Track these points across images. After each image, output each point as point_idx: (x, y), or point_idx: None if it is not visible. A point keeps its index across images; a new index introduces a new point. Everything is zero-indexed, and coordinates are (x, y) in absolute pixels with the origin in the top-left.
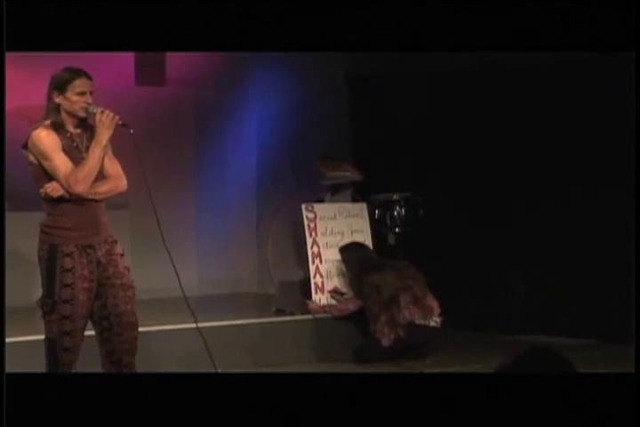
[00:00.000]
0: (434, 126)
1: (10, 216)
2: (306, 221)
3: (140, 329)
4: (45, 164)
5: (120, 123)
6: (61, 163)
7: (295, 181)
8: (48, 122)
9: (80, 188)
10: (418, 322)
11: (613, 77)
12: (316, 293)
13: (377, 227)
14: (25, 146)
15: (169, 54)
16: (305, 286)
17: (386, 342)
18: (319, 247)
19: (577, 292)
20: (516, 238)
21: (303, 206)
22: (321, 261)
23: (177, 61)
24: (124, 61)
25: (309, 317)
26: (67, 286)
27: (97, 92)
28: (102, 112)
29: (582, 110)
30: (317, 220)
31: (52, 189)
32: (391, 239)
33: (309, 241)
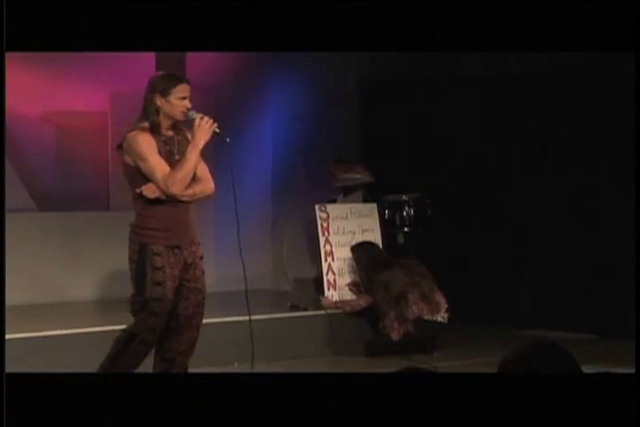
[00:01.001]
0: (442, 129)
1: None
2: (319, 221)
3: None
4: (142, 165)
5: (217, 131)
6: (158, 164)
7: (309, 183)
8: (146, 124)
9: (176, 189)
10: (426, 317)
11: (613, 84)
12: (329, 289)
13: (387, 226)
14: (119, 147)
15: (189, 59)
16: (318, 283)
17: (395, 336)
18: (332, 246)
19: (580, 288)
20: (522, 237)
21: (316, 207)
22: (333, 259)
23: (197, 66)
24: (145, 67)
25: (322, 312)
26: (157, 284)
27: (118, 96)
28: (202, 118)
29: (584, 115)
30: (330, 219)
31: (149, 190)
32: (400, 238)
33: (322, 240)
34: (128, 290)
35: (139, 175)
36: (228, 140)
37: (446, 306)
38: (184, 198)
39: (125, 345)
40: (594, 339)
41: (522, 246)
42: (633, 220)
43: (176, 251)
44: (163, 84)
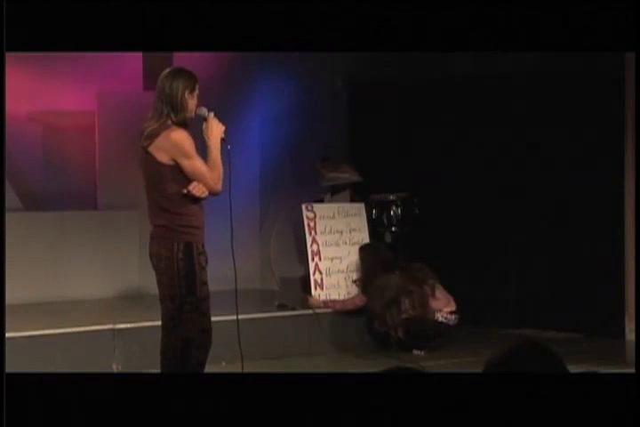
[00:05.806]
0: (430, 128)
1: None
2: (306, 221)
3: (145, 324)
4: (187, 163)
5: (223, 136)
6: (202, 163)
7: (296, 182)
8: (169, 121)
9: (221, 187)
10: (417, 322)
11: (606, 84)
12: (316, 289)
13: (374, 226)
14: (147, 146)
15: (176, 60)
16: (305, 283)
17: (385, 339)
18: (318, 245)
19: (565, 288)
20: (507, 237)
21: (303, 206)
22: (320, 259)
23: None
24: (132, 67)
25: (310, 312)
26: (204, 283)
27: (106, 96)
28: (213, 117)
29: (573, 115)
30: (317, 219)
31: (199, 189)
32: (388, 238)
33: (309, 239)
34: (117, 289)
35: (174, 174)
36: (229, 147)
37: (452, 308)
38: (204, 196)
39: (185, 354)
40: (579, 338)
41: (508, 246)
42: (619, 221)
43: (204, 249)
44: (190, 80)
